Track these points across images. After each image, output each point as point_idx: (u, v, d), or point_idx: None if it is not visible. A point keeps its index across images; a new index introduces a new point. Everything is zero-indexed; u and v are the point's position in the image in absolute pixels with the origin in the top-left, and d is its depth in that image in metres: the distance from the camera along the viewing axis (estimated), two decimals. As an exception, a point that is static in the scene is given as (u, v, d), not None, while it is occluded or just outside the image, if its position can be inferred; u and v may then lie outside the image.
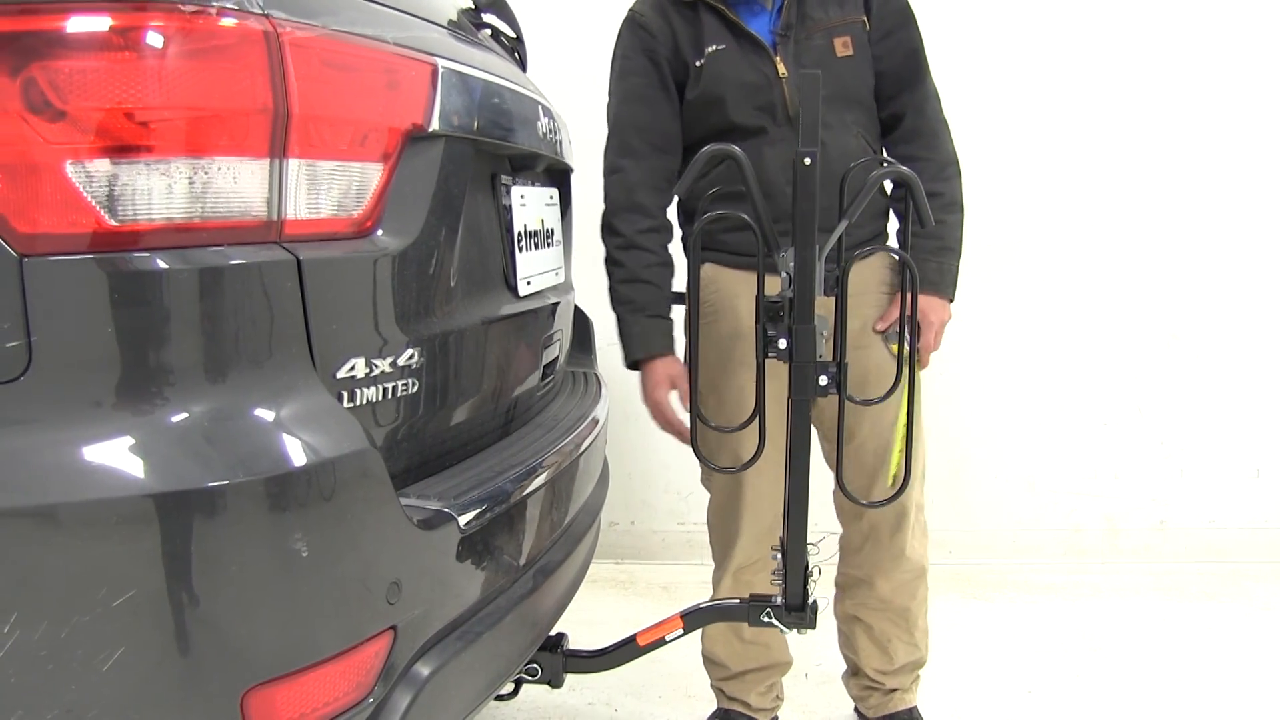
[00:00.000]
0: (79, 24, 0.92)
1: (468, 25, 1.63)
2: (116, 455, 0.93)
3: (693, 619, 1.79)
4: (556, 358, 1.81)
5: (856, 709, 2.26)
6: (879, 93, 2.02)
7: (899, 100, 2.02)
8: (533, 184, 1.72)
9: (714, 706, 2.22)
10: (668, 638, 1.79)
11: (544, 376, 1.73)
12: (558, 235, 1.87)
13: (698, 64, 1.95)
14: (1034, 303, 3.28)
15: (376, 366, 1.15)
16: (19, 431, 0.92)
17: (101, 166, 0.91)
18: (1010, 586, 3.16)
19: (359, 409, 1.12)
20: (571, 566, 1.63)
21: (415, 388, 1.23)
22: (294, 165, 1.04)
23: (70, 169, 0.90)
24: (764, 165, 1.91)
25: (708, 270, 2.02)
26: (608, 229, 2.03)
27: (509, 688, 1.88)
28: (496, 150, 1.51)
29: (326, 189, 1.09)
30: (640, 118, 2.00)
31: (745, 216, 1.64)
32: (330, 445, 1.03)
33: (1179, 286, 3.25)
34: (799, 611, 1.66)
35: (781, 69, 1.93)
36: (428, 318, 1.25)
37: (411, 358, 1.21)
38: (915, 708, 2.21)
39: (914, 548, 2.09)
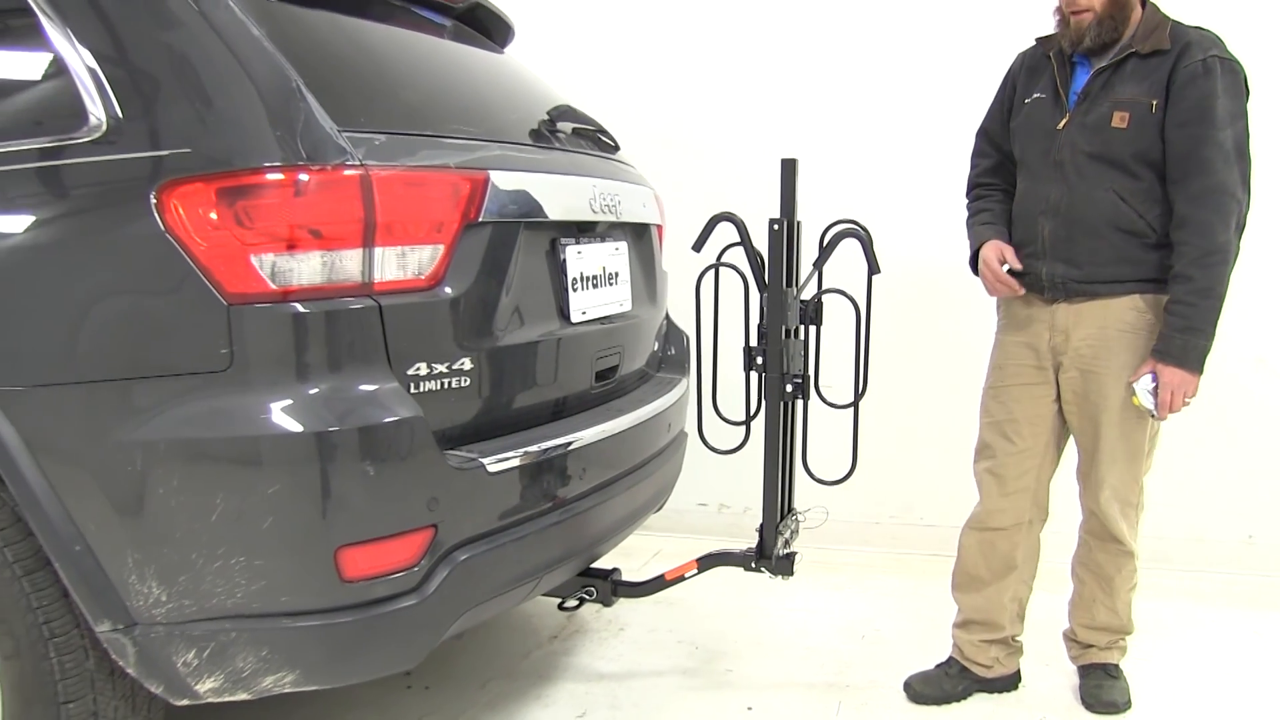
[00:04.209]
0: (259, 178, 1.70)
1: (546, 132, 2.34)
2: (280, 411, 1.70)
3: (704, 562, 2.42)
4: (615, 366, 2.48)
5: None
6: (1167, 172, 2.30)
7: (1175, 186, 2.29)
8: (596, 241, 2.39)
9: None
10: (686, 575, 2.43)
11: (600, 379, 2.40)
12: (625, 276, 2.53)
13: (1026, 101, 2.47)
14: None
15: (435, 368, 1.87)
16: (228, 398, 1.70)
17: (269, 257, 1.69)
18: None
19: (421, 394, 1.85)
20: (607, 515, 2.29)
21: (467, 382, 1.94)
22: (379, 250, 1.78)
23: (253, 258, 1.69)
24: (1023, 195, 2.48)
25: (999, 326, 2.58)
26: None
27: (573, 602, 2.56)
28: (551, 223, 2.20)
29: (402, 262, 1.83)
30: (989, 130, 2.62)
31: (735, 267, 2.25)
32: (394, 412, 1.76)
33: (1266, 310, 3.42)
34: (766, 559, 2.25)
35: (1063, 124, 2.36)
36: (478, 336, 1.96)
37: (464, 363, 1.93)
38: (1113, 665, 2.65)
39: (1123, 532, 2.51)
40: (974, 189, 2.65)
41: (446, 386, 1.91)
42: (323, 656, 1.79)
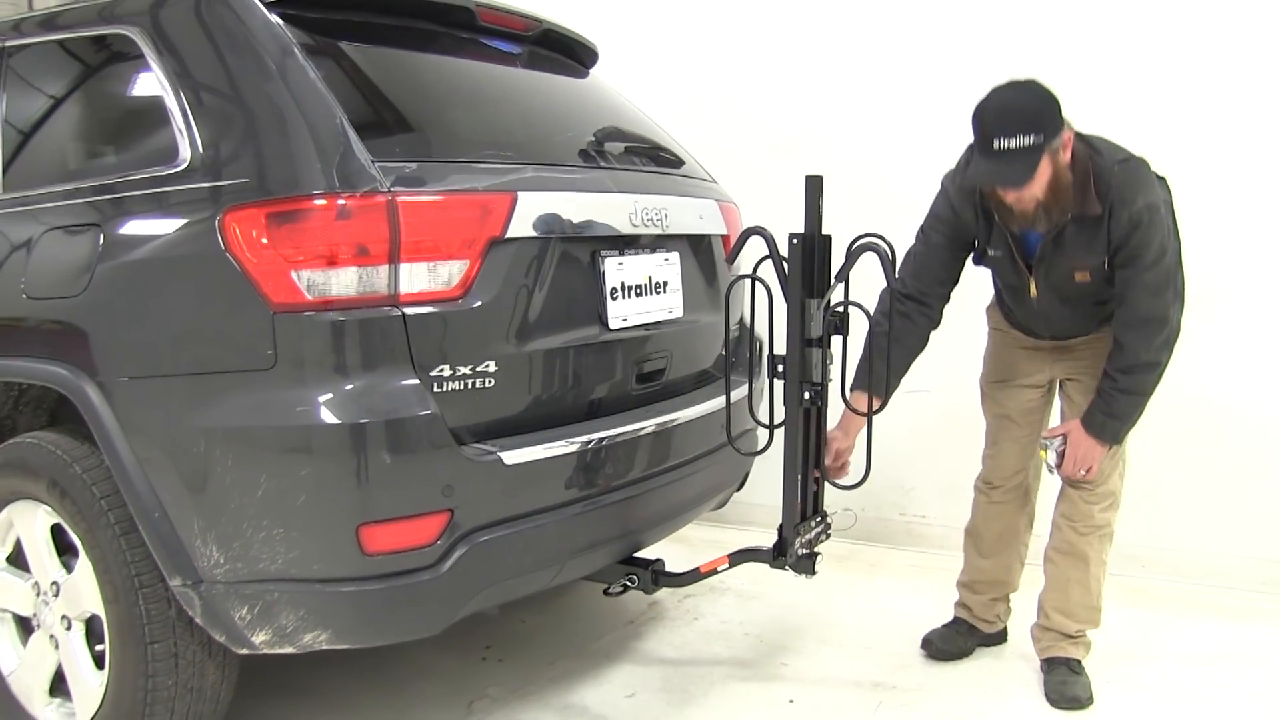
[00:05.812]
0: (300, 204, 1.97)
1: (593, 152, 2.53)
2: (320, 404, 1.97)
3: (735, 558, 2.55)
4: (662, 369, 2.63)
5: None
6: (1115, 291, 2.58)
7: (1117, 309, 2.56)
8: (643, 252, 2.56)
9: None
10: (720, 569, 2.56)
11: (643, 381, 2.56)
12: (675, 284, 2.68)
13: (989, 252, 2.67)
14: (1255, 340, 3.45)
15: (459, 370, 2.10)
16: (273, 392, 1.99)
17: (305, 272, 1.96)
18: (1191, 605, 3.38)
19: (445, 393, 2.08)
20: (639, 509, 2.46)
21: (492, 383, 2.16)
22: (405, 266, 2.02)
23: (293, 273, 1.96)
24: (1013, 304, 2.76)
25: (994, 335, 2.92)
26: None
27: (617, 589, 2.73)
28: (589, 237, 2.38)
29: (431, 275, 2.06)
30: (920, 254, 2.74)
31: (762, 280, 2.37)
32: (415, 408, 2.00)
33: None
34: (782, 556, 2.37)
35: (1033, 290, 2.63)
36: (505, 342, 2.18)
37: (488, 366, 2.15)
38: (1077, 660, 2.77)
39: (1096, 514, 2.72)
40: (899, 296, 2.69)
41: (470, 387, 2.13)
42: (351, 619, 2.05)
